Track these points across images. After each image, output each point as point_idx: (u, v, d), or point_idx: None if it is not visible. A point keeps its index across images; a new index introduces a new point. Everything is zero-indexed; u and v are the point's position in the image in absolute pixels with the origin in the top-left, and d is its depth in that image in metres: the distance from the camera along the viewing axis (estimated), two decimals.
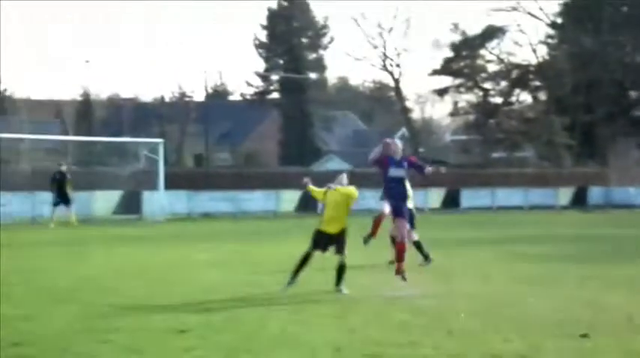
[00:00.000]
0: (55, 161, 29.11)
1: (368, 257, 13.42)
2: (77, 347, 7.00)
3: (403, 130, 62.78)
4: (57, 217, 24.83)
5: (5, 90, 55.97)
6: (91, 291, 10.42)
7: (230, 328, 7.80)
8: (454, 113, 55.87)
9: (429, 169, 10.58)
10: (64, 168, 25.72)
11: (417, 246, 13.34)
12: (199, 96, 64.54)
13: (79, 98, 58.60)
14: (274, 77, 56.65)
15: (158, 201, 28.68)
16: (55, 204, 24.98)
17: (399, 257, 10.45)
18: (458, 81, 53.35)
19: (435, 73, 53.32)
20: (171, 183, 29.95)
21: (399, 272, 10.45)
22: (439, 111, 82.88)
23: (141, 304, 9.38)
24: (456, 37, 51.85)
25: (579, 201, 38.75)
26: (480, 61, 52.54)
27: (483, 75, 52.96)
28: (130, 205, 29.54)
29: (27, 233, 22.47)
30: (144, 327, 7.86)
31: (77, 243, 18.74)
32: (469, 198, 37.15)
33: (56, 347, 7.01)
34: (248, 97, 58.20)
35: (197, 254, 15.78)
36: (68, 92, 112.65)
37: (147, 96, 79.71)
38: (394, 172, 10.50)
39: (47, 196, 25.72)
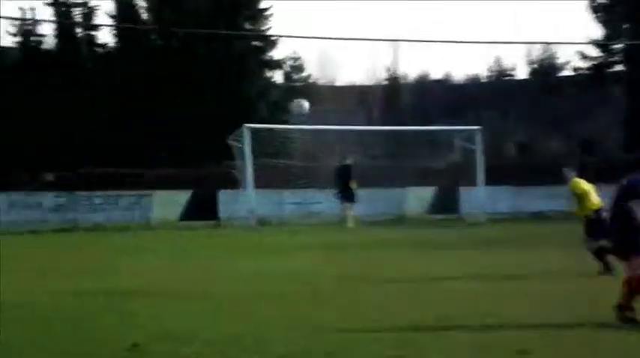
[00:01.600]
0: (362, 154, 28.43)
1: None
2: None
3: None
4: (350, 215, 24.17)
5: (309, 76, 50.46)
6: (399, 300, 10.10)
7: (584, 354, 6.86)
8: None
9: None
10: (349, 161, 25.02)
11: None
12: (521, 74, 58.85)
13: (384, 82, 55.56)
14: (617, 46, 49.39)
15: (477, 198, 26.96)
16: (347, 200, 24.17)
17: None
18: None
19: None
20: (491, 177, 27.88)
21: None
22: None
23: (466, 317, 8.64)
24: None
25: None
26: None
27: None
28: (445, 203, 28.44)
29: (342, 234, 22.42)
30: (479, 344, 7.22)
31: (385, 246, 18.36)
32: None
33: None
34: (582, 72, 50.91)
35: (530, 260, 14.47)
36: (373, 76, 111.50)
37: (459, 76, 75.97)
38: None
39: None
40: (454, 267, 13.50)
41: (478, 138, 27.49)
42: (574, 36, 77.66)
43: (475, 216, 26.12)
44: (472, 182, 27.12)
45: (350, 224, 23.69)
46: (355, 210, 24.23)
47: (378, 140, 33.08)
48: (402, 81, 55.00)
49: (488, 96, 51.25)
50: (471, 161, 27.55)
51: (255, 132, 25.40)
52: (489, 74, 58.21)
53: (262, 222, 24.96)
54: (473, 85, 55.73)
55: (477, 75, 56.24)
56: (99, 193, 26.72)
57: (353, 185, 23.90)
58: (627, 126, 46.44)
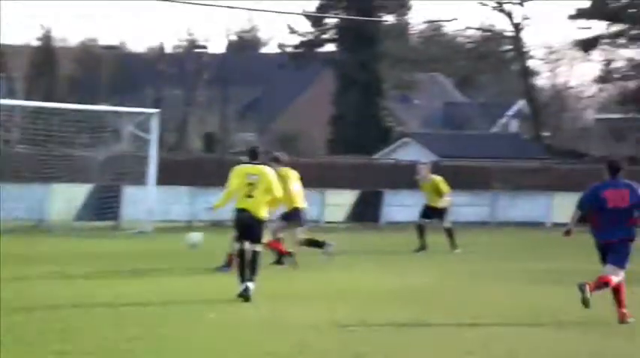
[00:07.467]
0: None
1: None
2: None
3: (520, 104, 48.01)
4: None
5: None
6: None
7: None
8: (605, 78, 42.03)
9: None
10: None
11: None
12: (217, 47, 55.17)
13: (35, 43, 45.96)
14: (330, 20, 42.96)
15: (146, 200, 22.11)
16: None
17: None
18: (615, 28, 39.73)
19: (581, 14, 39.95)
20: (168, 175, 23.38)
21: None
22: (580, 75, 63.92)
23: None
24: None
25: None
26: None
27: None
28: (104, 206, 23.32)
29: None
30: None
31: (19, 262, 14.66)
32: None
33: None
34: (289, 50, 44.15)
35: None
36: (20, 35, 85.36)
37: (138, 44, 62.31)
38: None
39: None
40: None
41: (154, 124, 22.37)
42: (283, 5, 65.07)
43: (141, 224, 21.42)
44: (141, 180, 22.36)
45: None
46: None
47: (19, 120, 25.66)
48: (60, 44, 45.56)
49: (174, 73, 42.77)
50: (143, 153, 22.33)
51: None
52: (177, 45, 50.49)
53: None
54: (154, 56, 46.90)
55: (160, 44, 49.33)
56: None
57: None
58: (336, 121, 41.23)
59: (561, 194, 27.70)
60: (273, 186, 10.86)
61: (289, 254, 13.93)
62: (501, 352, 7.84)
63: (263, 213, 10.81)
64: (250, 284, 10.54)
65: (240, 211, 10.78)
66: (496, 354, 7.81)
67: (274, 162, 13.59)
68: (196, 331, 8.62)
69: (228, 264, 13.26)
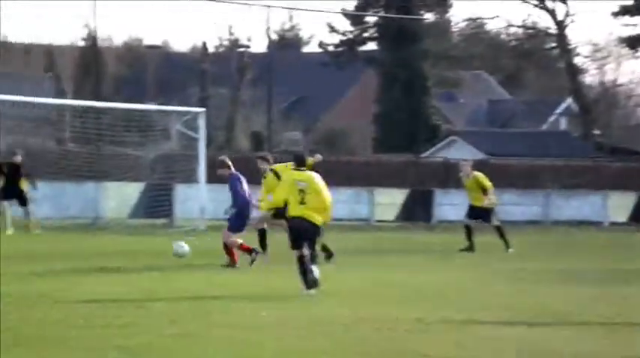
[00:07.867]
0: (47, 136, 23.95)
1: None
2: None
3: (568, 102, 47.82)
4: (13, 218, 20.01)
5: None
6: None
7: None
8: None
9: None
10: (18, 158, 20.22)
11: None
12: (259, 46, 54.47)
13: (80, 43, 45.86)
14: (371, 19, 42.87)
15: (197, 198, 22.13)
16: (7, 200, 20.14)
17: None
18: None
19: (625, 11, 39.74)
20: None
21: None
22: (629, 72, 63.83)
23: None
24: None
25: None
26: None
27: None
28: (156, 204, 23.53)
29: None
30: None
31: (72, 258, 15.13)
32: None
33: None
34: (331, 49, 44.11)
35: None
36: (66, 34, 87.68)
37: (181, 44, 63.13)
38: None
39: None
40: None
41: (201, 123, 22.44)
42: (323, 4, 67.08)
43: (193, 222, 21.64)
44: (191, 178, 22.51)
45: (8, 230, 19.46)
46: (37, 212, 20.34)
47: (69, 119, 26.07)
48: (105, 44, 45.76)
49: (217, 72, 42.52)
50: (192, 152, 22.67)
51: None
52: (219, 44, 51.05)
53: None
54: (198, 56, 46.68)
55: (203, 44, 47.44)
56: None
57: (23, 185, 19.95)
58: (380, 119, 41.19)
59: (616, 193, 27.76)
60: (322, 193, 10.81)
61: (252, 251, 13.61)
62: (566, 353, 7.69)
63: (317, 218, 10.78)
64: (314, 267, 10.75)
65: (295, 218, 10.81)
66: (557, 355, 7.69)
67: (263, 161, 13.47)
68: (250, 328, 8.56)
69: (233, 262, 13.56)
